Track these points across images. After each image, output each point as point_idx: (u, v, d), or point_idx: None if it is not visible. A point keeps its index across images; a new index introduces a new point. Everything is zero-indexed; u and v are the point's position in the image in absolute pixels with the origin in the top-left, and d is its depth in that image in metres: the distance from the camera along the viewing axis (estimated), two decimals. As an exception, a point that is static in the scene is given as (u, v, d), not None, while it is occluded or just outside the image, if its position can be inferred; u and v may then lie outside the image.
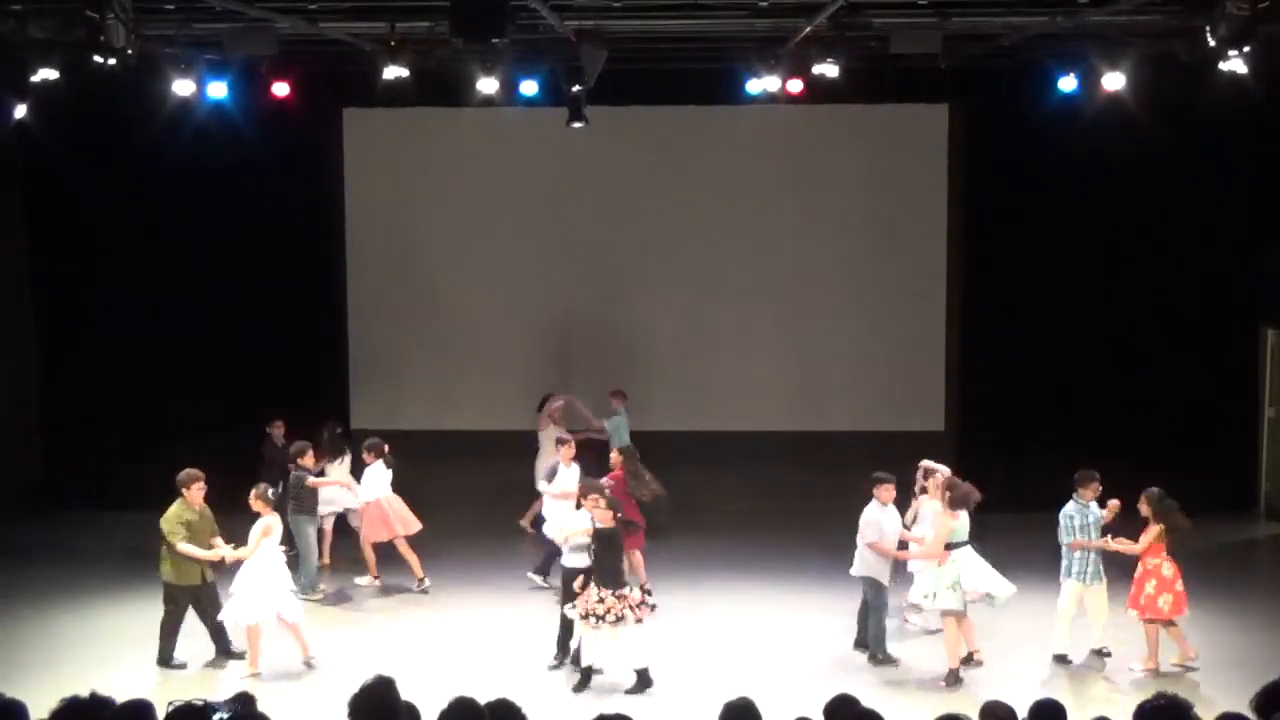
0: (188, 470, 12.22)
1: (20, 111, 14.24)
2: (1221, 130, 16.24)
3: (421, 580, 14.44)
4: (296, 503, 14.21)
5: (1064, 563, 12.27)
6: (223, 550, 12.15)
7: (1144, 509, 11.97)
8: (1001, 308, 17.42)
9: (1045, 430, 16.92)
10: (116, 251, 17.67)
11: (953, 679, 11.72)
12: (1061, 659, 12.26)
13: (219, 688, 11.46)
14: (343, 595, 14.47)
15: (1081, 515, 12.12)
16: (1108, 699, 11.26)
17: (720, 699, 6.57)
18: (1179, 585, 11.92)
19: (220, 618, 12.28)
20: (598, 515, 11.67)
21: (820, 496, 13.77)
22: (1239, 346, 17.42)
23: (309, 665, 12.18)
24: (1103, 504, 12.23)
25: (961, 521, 12.10)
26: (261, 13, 12.00)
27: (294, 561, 13.67)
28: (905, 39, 12.80)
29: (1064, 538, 12.23)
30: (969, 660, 12.06)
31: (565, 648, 12.07)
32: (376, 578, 14.59)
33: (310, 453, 14.34)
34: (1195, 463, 16.05)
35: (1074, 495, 12.22)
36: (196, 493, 12.15)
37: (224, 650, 12.43)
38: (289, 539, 15.61)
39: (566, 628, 12.00)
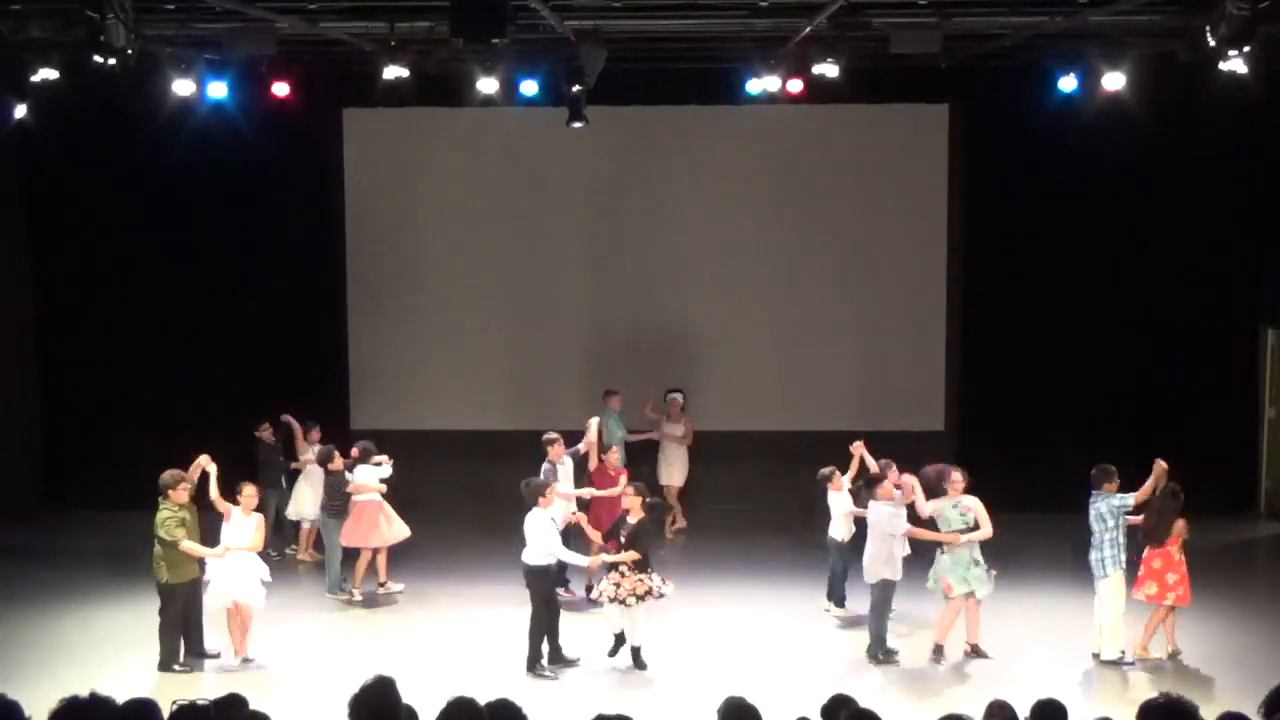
0: (171, 472, 12.18)
1: (20, 111, 14.24)
2: (1221, 130, 16.23)
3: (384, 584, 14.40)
4: (330, 504, 14.24)
5: (1098, 555, 12.00)
6: (218, 550, 12.16)
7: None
8: (1001, 308, 17.43)
9: (1045, 430, 16.93)
10: (117, 251, 17.68)
11: (937, 654, 12.09)
12: (1121, 660, 12.08)
13: (218, 687, 11.46)
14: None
15: (1108, 503, 11.95)
16: (1112, 699, 11.28)
17: (719, 698, 6.58)
18: (1170, 576, 12.04)
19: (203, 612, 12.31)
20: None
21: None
22: (1239, 346, 17.43)
23: (244, 661, 12.18)
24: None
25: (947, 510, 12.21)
26: (261, 13, 12.01)
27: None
28: (905, 39, 12.80)
29: (1101, 527, 11.99)
30: (939, 651, 12.22)
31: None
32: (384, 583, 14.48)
33: (338, 456, 14.29)
34: (1195, 463, 15.95)
35: (1092, 492, 12.05)
36: (182, 493, 12.11)
37: (196, 650, 12.34)
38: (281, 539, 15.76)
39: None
